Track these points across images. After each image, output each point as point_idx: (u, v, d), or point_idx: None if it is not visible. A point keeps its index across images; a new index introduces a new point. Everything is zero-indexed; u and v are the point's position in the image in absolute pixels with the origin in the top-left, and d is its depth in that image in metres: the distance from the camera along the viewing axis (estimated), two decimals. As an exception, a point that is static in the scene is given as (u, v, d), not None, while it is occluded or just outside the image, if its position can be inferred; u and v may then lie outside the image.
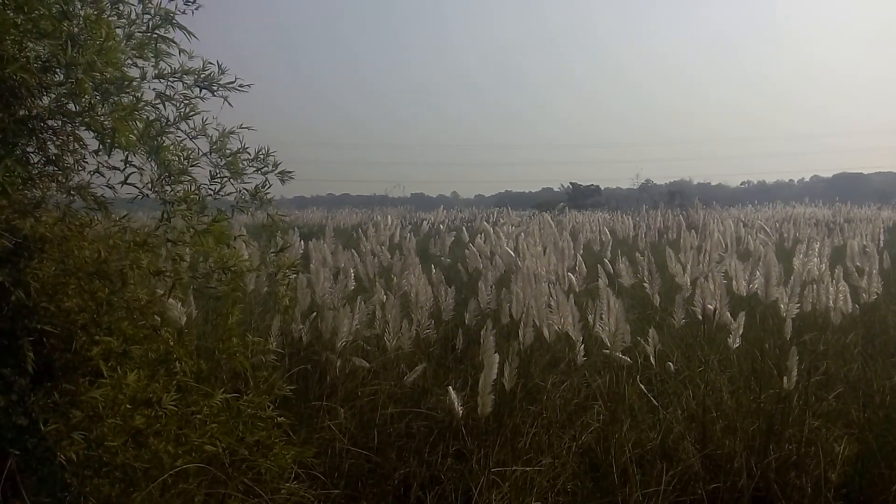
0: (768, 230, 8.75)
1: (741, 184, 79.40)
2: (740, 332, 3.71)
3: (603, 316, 3.46)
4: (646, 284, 4.66)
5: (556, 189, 55.88)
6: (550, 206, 31.87)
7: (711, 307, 3.97)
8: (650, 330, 3.88)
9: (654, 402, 3.79)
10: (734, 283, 4.41)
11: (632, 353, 3.89)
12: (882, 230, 9.78)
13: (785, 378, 3.38)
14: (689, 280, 5.07)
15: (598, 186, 47.73)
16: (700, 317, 4.12)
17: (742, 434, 3.44)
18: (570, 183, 47.40)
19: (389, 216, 13.36)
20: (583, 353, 3.85)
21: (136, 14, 2.23)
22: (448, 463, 3.35)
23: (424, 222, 19.36)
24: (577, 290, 5.20)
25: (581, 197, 43.39)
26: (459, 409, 3.22)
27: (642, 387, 3.88)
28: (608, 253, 7.29)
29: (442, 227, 15.39)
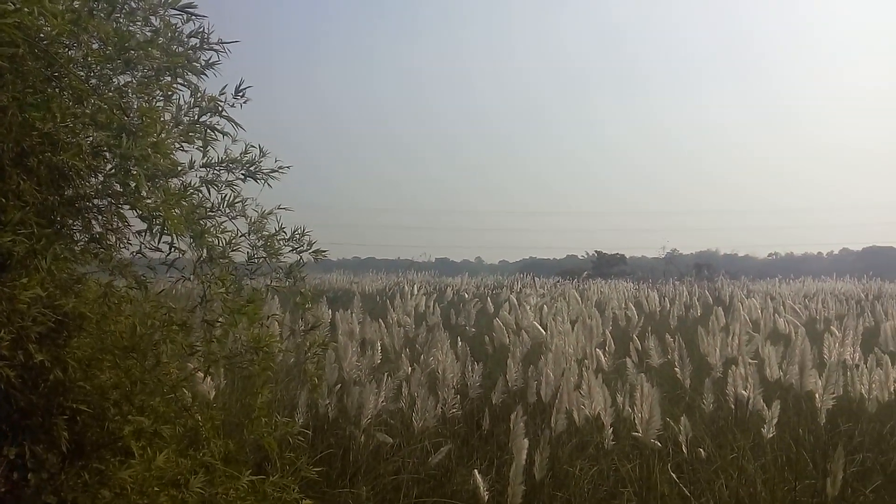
0: (797, 309, 8.61)
1: (769, 255, 77.79)
2: (774, 422, 3.62)
3: (636, 401, 3.40)
4: (677, 369, 4.58)
5: (580, 256, 55.81)
6: (575, 274, 31.75)
7: (744, 393, 3.89)
8: (682, 417, 3.79)
9: (686, 490, 3.68)
10: (767, 367, 4.33)
11: (661, 437, 3.80)
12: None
13: (829, 481, 3.26)
14: (719, 361, 5.00)
15: (623, 255, 47.48)
16: (732, 403, 4.03)
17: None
18: (595, 251, 47.30)
19: (415, 286, 13.43)
20: (612, 437, 3.77)
21: (185, 101, 2.32)
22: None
23: (449, 289, 19.38)
24: (606, 368, 5.13)
25: (606, 266, 43.15)
26: (485, 495, 3.15)
27: (673, 475, 3.77)
28: (637, 329, 7.22)
29: (466, 295, 15.37)
